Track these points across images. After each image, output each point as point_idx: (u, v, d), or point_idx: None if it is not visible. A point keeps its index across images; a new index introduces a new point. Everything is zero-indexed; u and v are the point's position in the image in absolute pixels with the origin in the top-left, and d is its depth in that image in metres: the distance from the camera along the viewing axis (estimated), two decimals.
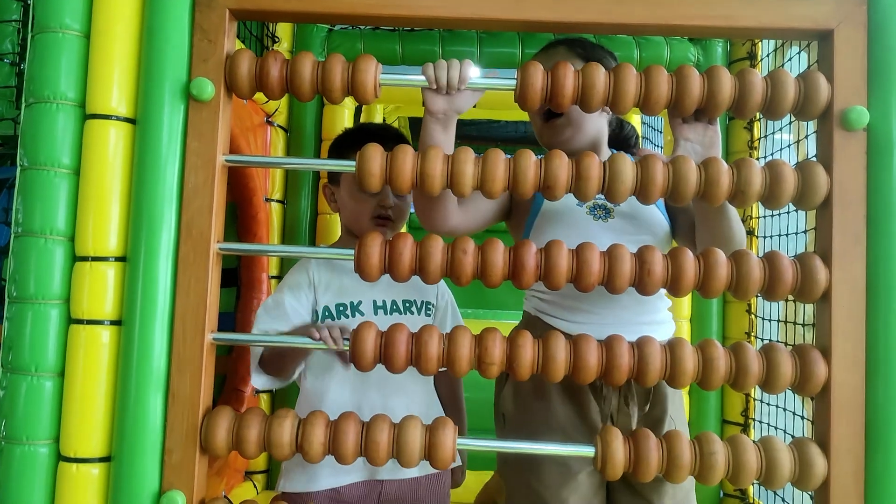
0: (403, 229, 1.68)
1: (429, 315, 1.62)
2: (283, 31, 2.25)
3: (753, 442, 1.08)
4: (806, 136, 1.94)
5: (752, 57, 2.18)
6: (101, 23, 1.09)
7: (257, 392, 2.20)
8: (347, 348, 1.11)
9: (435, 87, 1.18)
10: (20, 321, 1.06)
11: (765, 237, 2.19)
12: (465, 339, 1.08)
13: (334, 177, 1.66)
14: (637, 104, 1.12)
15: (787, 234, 2.04)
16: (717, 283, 1.08)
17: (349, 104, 2.40)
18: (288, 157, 2.32)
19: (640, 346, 1.09)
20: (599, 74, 1.10)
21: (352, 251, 1.11)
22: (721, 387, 1.11)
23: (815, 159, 1.14)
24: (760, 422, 2.15)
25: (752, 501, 2.16)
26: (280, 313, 1.47)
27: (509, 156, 1.10)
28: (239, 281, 2.20)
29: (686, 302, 2.28)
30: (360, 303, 1.53)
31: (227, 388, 2.14)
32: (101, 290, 1.07)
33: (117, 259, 1.08)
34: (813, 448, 1.06)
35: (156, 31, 1.09)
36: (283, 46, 2.24)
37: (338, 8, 1.16)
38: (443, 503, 1.62)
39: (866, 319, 1.07)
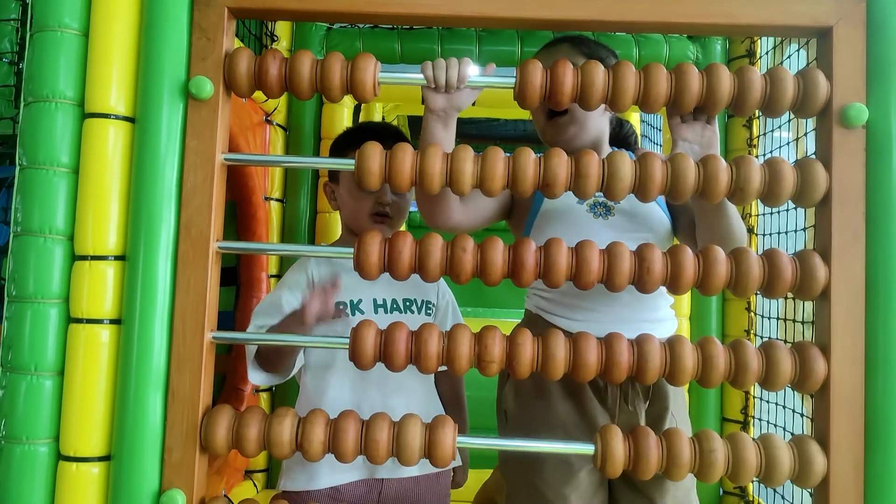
0: (402, 228, 1.68)
1: (429, 314, 1.62)
2: (282, 29, 2.24)
3: (753, 439, 1.08)
4: (805, 134, 1.94)
5: (750, 55, 2.18)
6: (100, 21, 1.08)
7: (257, 391, 2.20)
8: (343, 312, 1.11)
9: (434, 86, 1.19)
10: (20, 320, 1.06)
11: (764, 235, 2.19)
12: (464, 338, 1.08)
13: (335, 175, 1.67)
14: (636, 102, 1.12)
15: (786, 232, 2.04)
16: (716, 281, 1.08)
17: (348, 103, 2.40)
18: (287, 155, 2.32)
19: (639, 343, 1.09)
20: (598, 72, 1.10)
21: (351, 249, 1.11)
22: (721, 385, 1.11)
23: (814, 157, 1.14)
24: (760, 419, 2.15)
25: (751, 499, 2.16)
26: (276, 311, 1.47)
27: (509, 154, 1.10)
28: (238, 280, 2.20)
29: (685, 300, 2.28)
30: (359, 301, 1.53)
31: (227, 386, 2.14)
32: (100, 289, 1.07)
33: (116, 258, 1.08)
34: (812, 445, 1.06)
35: (154, 29, 1.09)
36: (282, 45, 2.24)
37: (337, 6, 1.16)
38: (443, 502, 1.62)
39: (865, 316, 1.07)
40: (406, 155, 1.09)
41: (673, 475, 1.07)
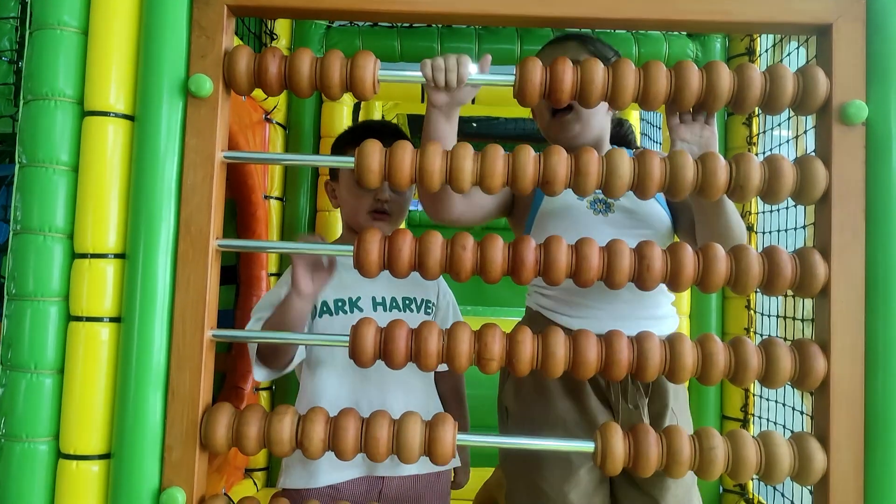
0: (402, 226, 1.68)
1: (429, 313, 1.62)
2: (282, 28, 2.25)
3: (753, 437, 1.08)
4: (804, 132, 1.94)
5: (750, 53, 2.18)
6: (99, 19, 1.08)
7: (257, 389, 2.20)
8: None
9: (434, 86, 1.19)
10: (19, 319, 1.06)
11: (764, 233, 2.19)
12: (464, 335, 1.08)
13: (335, 173, 1.67)
14: (636, 99, 1.12)
15: (786, 230, 2.04)
16: (716, 278, 1.08)
17: (348, 101, 2.40)
18: (286, 153, 2.32)
19: (639, 341, 1.09)
20: (598, 70, 1.10)
21: (350, 247, 1.11)
22: (720, 382, 1.11)
23: (813, 154, 1.14)
24: (760, 417, 2.15)
25: (751, 497, 2.16)
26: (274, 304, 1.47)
27: (508, 152, 1.10)
28: (238, 278, 2.21)
29: (685, 298, 2.28)
30: (358, 298, 1.53)
31: (227, 385, 2.14)
32: (100, 287, 1.06)
33: (116, 256, 1.08)
34: (812, 442, 1.06)
35: (154, 27, 1.09)
36: (282, 43, 2.24)
37: (336, 3, 1.16)
38: (444, 501, 1.62)
39: (865, 313, 1.07)
40: (406, 152, 1.09)
41: (673, 473, 1.07)
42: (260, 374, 1.45)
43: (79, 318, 1.06)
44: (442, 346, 1.08)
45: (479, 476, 1.90)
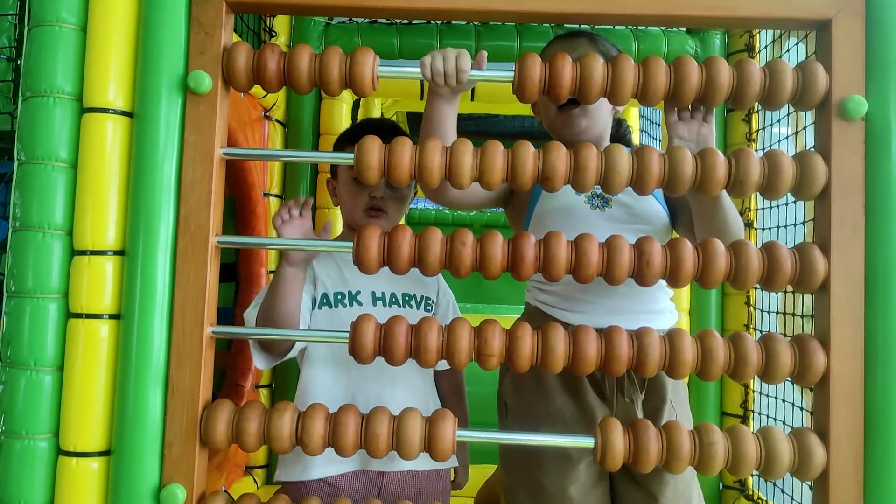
0: (402, 222, 1.68)
1: (428, 310, 1.62)
2: (281, 25, 2.24)
3: (753, 432, 1.08)
4: (804, 128, 1.94)
5: (749, 49, 2.18)
6: (98, 16, 1.08)
7: (257, 387, 2.20)
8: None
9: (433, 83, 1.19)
10: (19, 316, 1.06)
11: (763, 229, 2.19)
12: (464, 331, 1.08)
13: (335, 171, 1.67)
14: (635, 95, 1.12)
15: (785, 226, 2.04)
16: (715, 274, 1.08)
17: (347, 98, 2.40)
18: (286, 150, 2.32)
19: (639, 336, 1.09)
20: (597, 65, 1.10)
21: (350, 244, 1.11)
22: (720, 378, 1.11)
23: (813, 150, 1.14)
24: (759, 413, 2.15)
25: (751, 493, 2.16)
26: None
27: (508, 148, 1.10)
28: (238, 276, 2.21)
29: (685, 294, 2.28)
30: (358, 292, 1.53)
31: (227, 382, 2.14)
32: (99, 283, 1.06)
33: (116, 253, 1.08)
34: (812, 438, 1.07)
35: (152, 24, 1.09)
36: (281, 41, 2.24)
37: (335, 0, 1.16)
38: (444, 499, 1.62)
39: (865, 308, 1.07)
40: (405, 148, 1.09)
41: (673, 468, 1.07)
42: (260, 362, 1.45)
43: (78, 315, 1.06)
44: (442, 342, 1.08)
45: (480, 474, 1.90)
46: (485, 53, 1.23)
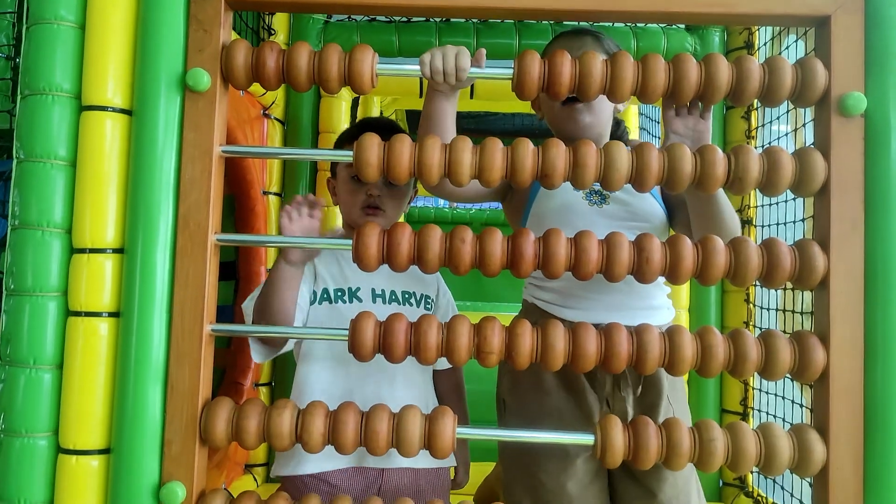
0: (401, 219, 1.68)
1: (428, 309, 1.62)
2: (279, 23, 2.24)
3: (752, 429, 1.08)
4: (804, 125, 1.94)
5: (749, 46, 2.18)
6: (96, 14, 1.08)
7: (256, 385, 2.20)
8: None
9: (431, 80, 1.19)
10: (18, 314, 1.06)
11: (762, 226, 2.19)
12: (463, 329, 1.08)
13: (335, 171, 1.67)
14: (635, 92, 1.12)
15: (785, 223, 2.04)
16: (715, 271, 1.08)
17: (346, 96, 2.40)
18: (285, 147, 2.32)
19: (638, 333, 1.09)
20: (597, 63, 1.10)
21: (349, 241, 1.11)
22: (720, 376, 1.11)
23: (812, 146, 1.14)
24: (759, 411, 2.15)
25: (751, 490, 2.16)
26: None
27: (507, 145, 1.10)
28: (237, 274, 2.21)
29: (684, 291, 2.28)
30: (358, 289, 1.53)
31: (227, 381, 2.14)
32: (98, 282, 1.06)
33: (115, 251, 1.08)
34: (812, 434, 1.07)
35: (151, 21, 1.09)
36: (280, 39, 2.24)
37: None
38: (443, 498, 1.62)
39: (864, 305, 1.07)
40: (404, 146, 1.08)
41: (672, 465, 1.07)
42: (257, 355, 1.45)
43: (78, 313, 1.06)
44: (441, 339, 1.08)
45: (480, 471, 1.90)
46: (483, 51, 1.23)
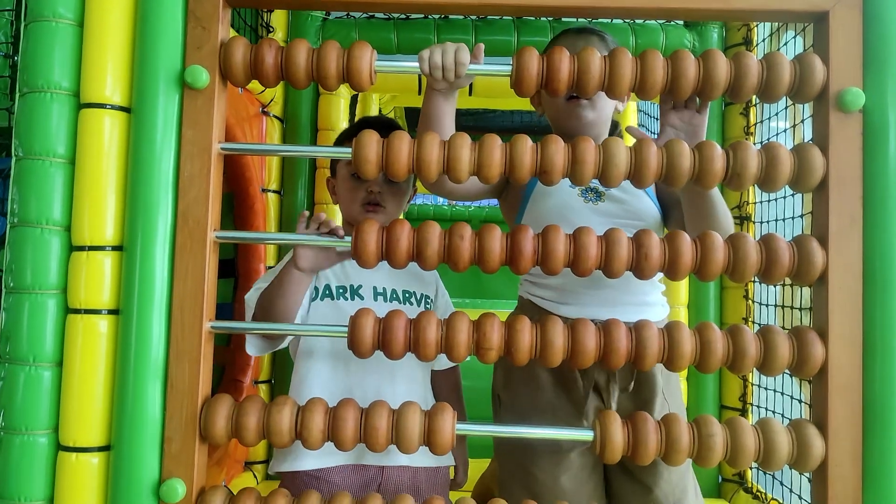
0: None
1: (427, 308, 1.62)
2: (278, 20, 2.24)
3: (751, 424, 1.08)
4: (802, 121, 1.94)
5: (747, 42, 2.18)
6: (95, 11, 1.08)
7: (256, 383, 2.21)
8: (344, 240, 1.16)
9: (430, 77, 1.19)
10: (17, 312, 1.06)
11: (761, 222, 2.19)
12: (463, 325, 1.09)
13: (335, 169, 1.67)
14: (633, 89, 1.12)
15: (783, 219, 2.04)
16: (714, 267, 1.08)
17: (345, 93, 2.40)
18: (283, 144, 2.32)
19: (637, 329, 1.09)
20: (595, 59, 1.10)
21: (349, 238, 1.11)
22: (719, 372, 1.12)
23: (811, 142, 1.14)
24: (758, 407, 2.16)
25: (750, 486, 2.17)
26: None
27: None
28: (236, 272, 2.21)
29: (683, 288, 2.28)
30: (360, 286, 1.54)
31: (226, 378, 2.14)
32: (98, 279, 1.06)
33: (114, 248, 1.08)
34: (811, 429, 1.07)
35: (149, 18, 1.08)
36: (278, 36, 2.24)
37: None
38: (443, 495, 1.62)
39: (863, 300, 1.07)
40: (403, 143, 1.09)
41: (672, 460, 1.07)
42: (253, 348, 1.46)
43: (77, 311, 1.06)
44: (441, 335, 1.09)
45: (477, 468, 1.90)
46: (482, 46, 1.23)
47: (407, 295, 1.58)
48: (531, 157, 1.08)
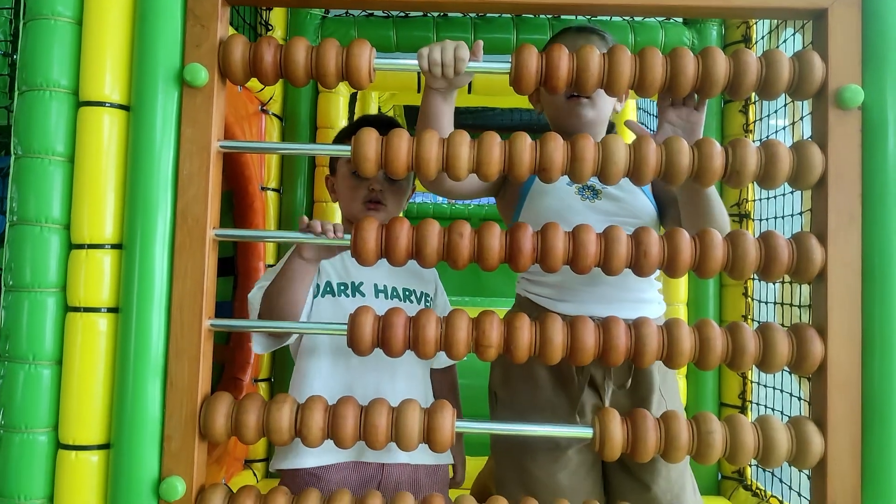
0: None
1: (427, 306, 1.62)
2: (277, 18, 2.24)
3: (751, 422, 1.08)
4: (801, 119, 1.95)
5: (746, 40, 2.18)
6: (94, 9, 1.08)
7: (255, 381, 2.20)
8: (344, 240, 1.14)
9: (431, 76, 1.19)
10: (17, 310, 1.06)
11: (760, 220, 2.19)
12: (462, 322, 1.09)
13: (334, 168, 1.67)
14: (632, 86, 1.12)
15: (782, 217, 2.04)
16: (713, 264, 1.08)
17: (344, 91, 2.40)
18: (283, 142, 2.31)
19: (636, 326, 1.09)
20: (594, 57, 1.10)
21: (348, 236, 1.11)
22: (718, 370, 1.12)
23: (810, 139, 1.14)
24: (758, 404, 2.16)
25: (750, 483, 2.17)
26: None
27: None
28: (236, 270, 2.20)
29: (682, 286, 2.28)
30: (360, 283, 1.54)
31: (226, 377, 2.14)
32: (97, 277, 1.06)
33: (113, 246, 1.08)
34: (810, 426, 1.07)
35: (148, 16, 1.08)
36: (277, 34, 2.23)
37: None
38: (442, 493, 1.63)
39: (862, 297, 1.07)
40: (402, 140, 1.09)
41: (671, 457, 1.07)
42: (259, 346, 1.45)
43: (76, 309, 1.06)
44: (440, 333, 1.09)
45: (474, 465, 1.90)
46: (481, 43, 1.23)
47: (407, 293, 1.58)
48: (530, 155, 1.09)
